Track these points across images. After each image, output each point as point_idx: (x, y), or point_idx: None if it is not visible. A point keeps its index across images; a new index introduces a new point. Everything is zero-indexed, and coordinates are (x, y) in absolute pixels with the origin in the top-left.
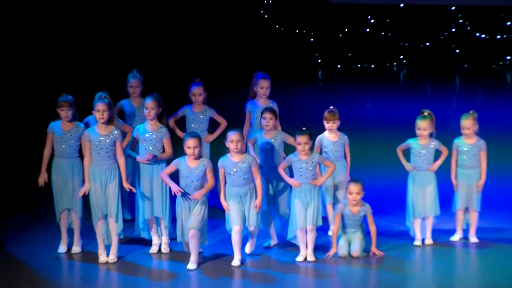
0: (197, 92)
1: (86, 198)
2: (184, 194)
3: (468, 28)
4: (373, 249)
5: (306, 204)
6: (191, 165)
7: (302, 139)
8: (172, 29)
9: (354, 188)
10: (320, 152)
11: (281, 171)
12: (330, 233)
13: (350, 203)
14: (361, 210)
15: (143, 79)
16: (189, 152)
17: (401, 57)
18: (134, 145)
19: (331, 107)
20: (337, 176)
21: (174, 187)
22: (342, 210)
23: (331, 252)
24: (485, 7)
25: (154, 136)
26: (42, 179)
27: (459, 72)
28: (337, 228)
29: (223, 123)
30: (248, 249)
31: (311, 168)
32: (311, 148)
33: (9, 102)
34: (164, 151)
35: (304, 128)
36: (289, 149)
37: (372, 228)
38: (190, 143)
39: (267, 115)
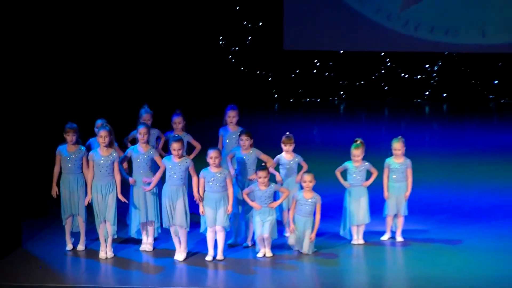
0: (178, 121)
1: (89, 206)
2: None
3: (394, 69)
4: (313, 235)
5: (264, 221)
6: (175, 161)
7: (262, 173)
8: (163, 66)
9: (308, 177)
10: (278, 168)
11: (245, 196)
12: (285, 234)
13: (305, 190)
14: (313, 196)
15: (153, 112)
16: (174, 153)
17: (341, 92)
18: (124, 161)
19: (288, 133)
20: (292, 189)
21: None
22: (297, 197)
23: (291, 228)
24: (407, 52)
25: (145, 156)
26: (54, 191)
27: (387, 105)
28: (293, 212)
29: (198, 146)
30: (219, 252)
31: (268, 196)
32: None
33: (24, 132)
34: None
35: (263, 164)
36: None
37: (317, 217)
38: (175, 146)
39: (244, 137)
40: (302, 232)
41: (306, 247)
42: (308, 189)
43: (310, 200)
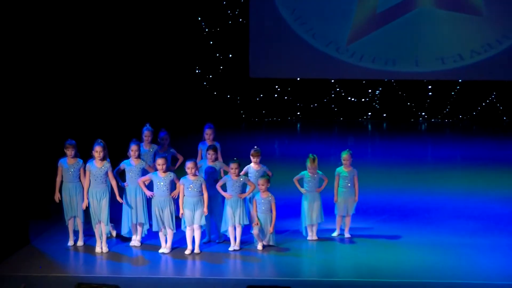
0: (164, 138)
1: (86, 209)
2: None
3: (342, 94)
4: (271, 228)
5: (234, 209)
6: (161, 175)
7: (233, 165)
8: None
9: (261, 181)
10: (246, 176)
11: (218, 187)
12: (251, 231)
13: (261, 191)
14: (269, 196)
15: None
16: (159, 168)
17: (298, 113)
18: (118, 172)
19: (255, 147)
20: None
21: (148, 193)
22: (256, 197)
23: (255, 223)
24: (353, 79)
25: (136, 168)
26: (56, 197)
27: (337, 124)
28: (255, 210)
29: (181, 158)
30: (196, 246)
31: (239, 186)
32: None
33: (32, 147)
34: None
35: (235, 159)
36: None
37: (274, 212)
38: (159, 162)
39: (210, 151)
40: (264, 225)
41: (267, 239)
42: (263, 191)
43: (265, 198)
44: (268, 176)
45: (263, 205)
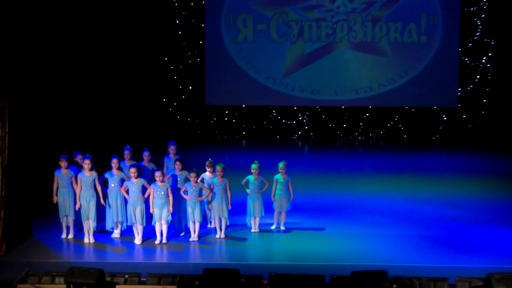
0: (146, 155)
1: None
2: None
3: (278, 117)
4: (229, 205)
5: (193, 209)
6: (134, 181)
7: (193, 174)
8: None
9: (219, 168)
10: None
11: (181, 192)
12: (208, 226)
13: (218, 176)
14: (224, 180)
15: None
16: (131, 175)
17: (244, 132)
18: (104, 181)
19: (210, 159)
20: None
21: (127, 196)
22: (214, 181)
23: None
24: (287, 106)
25: (117, 178)
26: (54, 199)
27: (274, 141)
28: (211, 195)
29: (148, 189)
30: (164, 238)
31: (197, 190)
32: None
33: (34, 157)
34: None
35: (194, 169)
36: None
37: (228, 193)
38: (132, 170)
39: (178, 163)
40: (221, 204)
41: (223, 225)
42: (220, 176)
43: (221, 182)
44: (223, 165)
45: (220, 188)
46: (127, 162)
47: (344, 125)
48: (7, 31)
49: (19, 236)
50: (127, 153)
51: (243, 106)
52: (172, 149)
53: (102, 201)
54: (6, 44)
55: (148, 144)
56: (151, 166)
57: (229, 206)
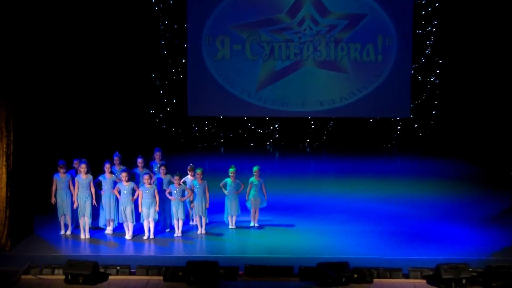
0: (140, 161)
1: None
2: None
3: (252, 127)
4: (207, 204)
5: (177, 208)
6: (125, 184)
7: (176, 178)
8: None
9: (199, 172)
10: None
11: (167, 193)
12: (190, 223)
13: (198, 179)
14: (203, 182)
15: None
16: (122, 179)
17: (222, 140)
18: (98, 184)
19: (191, 164)
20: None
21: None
22: (194, 184)
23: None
24: (260, 117)
25: (109, 180)
26: (53, 200)
27: (248, 148)
28: (192, 196)
29: (137, 191)
30: (151, 234)
31: (180, 192)
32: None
33: (35, 166)
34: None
35: (177, 173)
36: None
37: (207, 194)
38: (123, 174)
39: (163, 168)
40: (200, 203)
41: (203, 223)
42: (199, 178)
43: (201, 184)
44: (202, 169)
45: (200, 189)
46: (117, 167)
47: (310, 134)
48: (11, 57)
49: (22, 232)
50: (116, 159)
51: (221, 117)
52: (157, 155)
53: (94, 201)
54: (11, 65)
55: (138, 151)
56: (145, 171)
57: (207, 205)
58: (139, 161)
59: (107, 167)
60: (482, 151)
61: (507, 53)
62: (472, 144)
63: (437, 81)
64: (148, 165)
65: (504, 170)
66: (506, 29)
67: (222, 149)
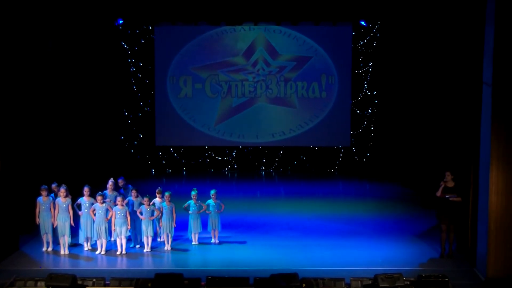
0: (121, 182)
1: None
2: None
3: (212, 155)
4: (174, 223)
5: (147, 226)
6: (100, 206)
7: (146, 199)
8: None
9: (167, 195)
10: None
11: (138, 213)
12: (158, 239)
13: (166, 201)
14: (171, 204)
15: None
16: (99, 201)
17: (184, 168)
18: (78, 205)
19: (159, 187)
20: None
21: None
22: (163, 205)
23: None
24: (219, 146)
25: (87, 203)
26: (36, 220)
27: (208, 173)
28: (160, 216)
29: (110, 211)
30: (123, 249)
31: (149, 212)
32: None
33: (19, 189)
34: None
35: (147, 195)
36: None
37: (174, 214)
38: (99, 198)
39: (134, 191)
40: (167, 222)
41: (170, 240)
42: (168, 201)
43: (169, 206)
44: (170, 192)
45: (168, 210)
46: (123, 189)
47: (264, 161)
48: None
49: (8, 249)
50: (121, 182)
51: (184, 147)
52: (120, 182)
53: (71, 222)
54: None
55: (109, 175)
56: (114, 193)
57: (174, 225)
58: (120, 181)
59: (86, 190)
60: (411, 175)
61: (432, 90)
62: (403, 169)
63: (373, 114)
64: (117, 189)
65: (430, 191)
66: (431, 69)
67: (184, 173)
